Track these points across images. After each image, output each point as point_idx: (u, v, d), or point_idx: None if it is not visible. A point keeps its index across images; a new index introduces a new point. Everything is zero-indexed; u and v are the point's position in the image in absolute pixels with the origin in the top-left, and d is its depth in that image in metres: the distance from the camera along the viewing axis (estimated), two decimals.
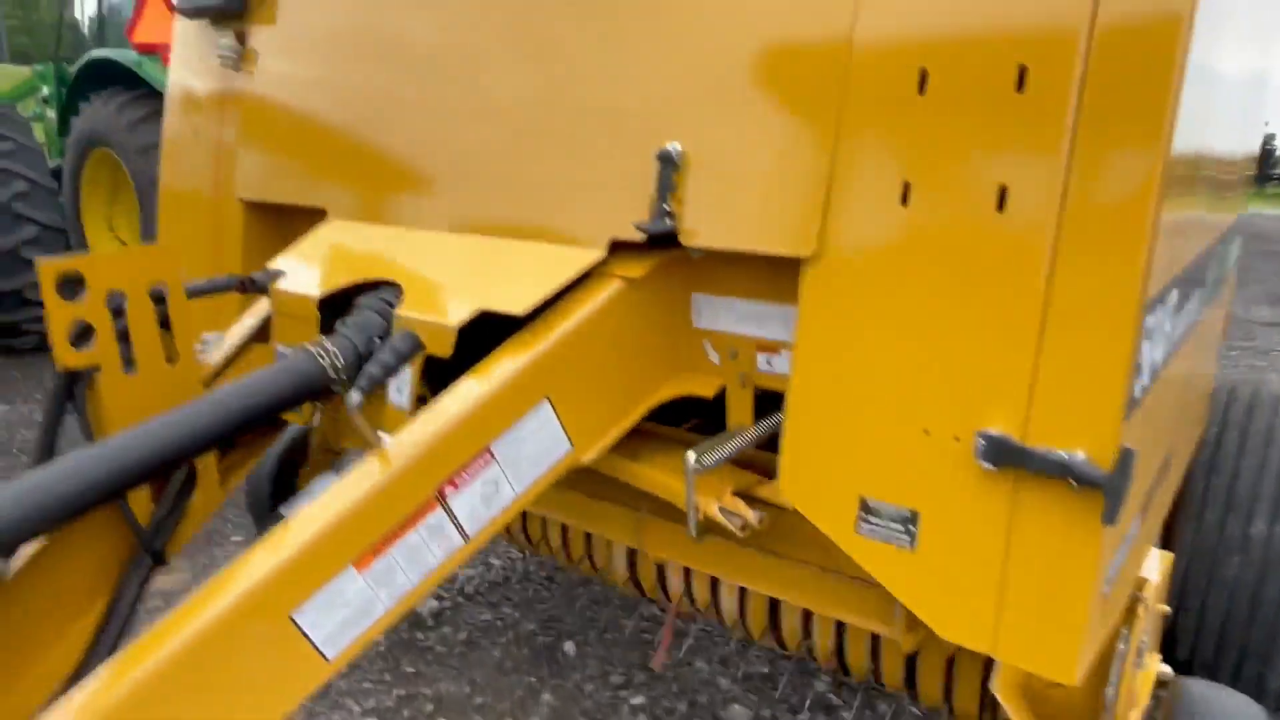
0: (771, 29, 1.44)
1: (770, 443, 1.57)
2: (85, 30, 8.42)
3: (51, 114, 8.54)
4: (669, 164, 1.52)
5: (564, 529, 2.48)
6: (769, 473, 1.67)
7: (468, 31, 1.82)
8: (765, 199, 1.44)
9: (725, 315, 1.65)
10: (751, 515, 1.61)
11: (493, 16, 1.78)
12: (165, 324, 1.71)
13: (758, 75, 1.45)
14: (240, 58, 2.25)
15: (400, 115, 1.93)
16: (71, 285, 1.55)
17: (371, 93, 1.99)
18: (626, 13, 1.61)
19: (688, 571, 2.18)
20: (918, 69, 1.28)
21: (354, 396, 1.36)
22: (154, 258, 1.66)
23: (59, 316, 1.52)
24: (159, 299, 1.69)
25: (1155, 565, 1.70)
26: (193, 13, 2.32)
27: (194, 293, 1.77)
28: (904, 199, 1.30)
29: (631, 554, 2.33)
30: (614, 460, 1.70)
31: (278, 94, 2.19)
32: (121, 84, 6.68)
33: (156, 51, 6.57)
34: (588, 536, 2.41)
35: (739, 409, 1.68)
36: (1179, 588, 2.41)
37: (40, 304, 5.54)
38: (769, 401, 1.62)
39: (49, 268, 1.49)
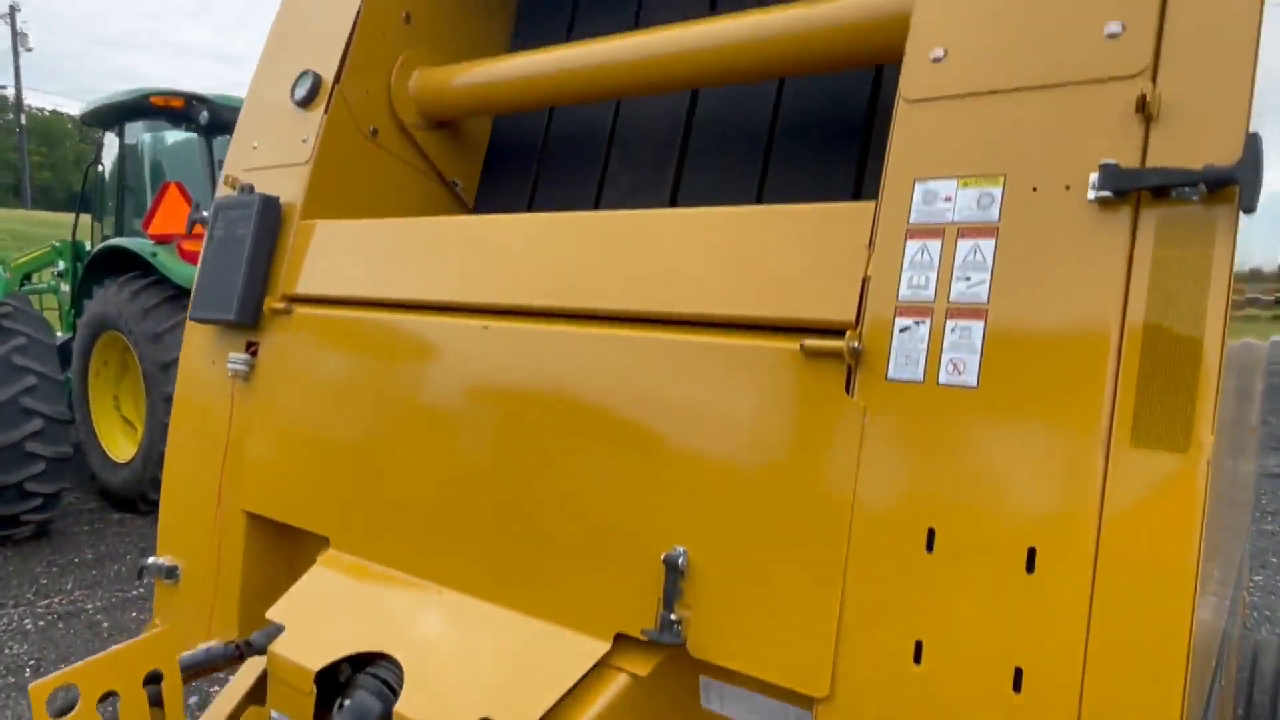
0: (772, 458, 1.44)
1: None
2: (107, 177, 8.66)
3: (65, 288, 8.75)
4: (675, 571, 1.50)
5: None
6: None
7: (477, 409, 1.83)
8: (774, 627, 1.41)
9: (734, 703, 1.60)
10: None
11: (501, 407, 1.79)
12: (157, 701, 1.67)
13: (762, 499, 1.45)
14: (251, 370, 2.28)
15: (408, 466, 1.93)
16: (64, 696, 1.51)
17: (381, 438, 1.99)
18: (636, 425, 1.61)
19: None
20: (925, 527, 1.28)
21: None
22: (149, 649, 1.63)
23: None
24: (154, 679, 1.65)
25: None
26: (206, 320, 2.36)
27: (189, 667, 1.73)
28: (917, 658, 1.27)
29: None
30: None
31: (286, 414, 2.20)
32: (135, 270, 6.86)
33: (171, 241, 6.78)
34: None
35: None
36: None
37: (39, 495, 5.40)
38: None
39: (39, 690, 1.45)
